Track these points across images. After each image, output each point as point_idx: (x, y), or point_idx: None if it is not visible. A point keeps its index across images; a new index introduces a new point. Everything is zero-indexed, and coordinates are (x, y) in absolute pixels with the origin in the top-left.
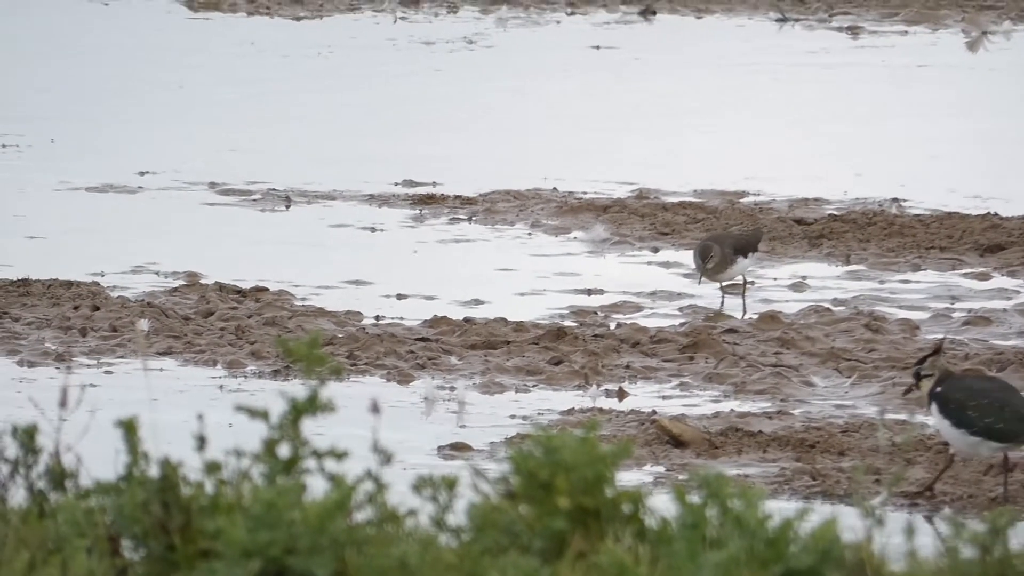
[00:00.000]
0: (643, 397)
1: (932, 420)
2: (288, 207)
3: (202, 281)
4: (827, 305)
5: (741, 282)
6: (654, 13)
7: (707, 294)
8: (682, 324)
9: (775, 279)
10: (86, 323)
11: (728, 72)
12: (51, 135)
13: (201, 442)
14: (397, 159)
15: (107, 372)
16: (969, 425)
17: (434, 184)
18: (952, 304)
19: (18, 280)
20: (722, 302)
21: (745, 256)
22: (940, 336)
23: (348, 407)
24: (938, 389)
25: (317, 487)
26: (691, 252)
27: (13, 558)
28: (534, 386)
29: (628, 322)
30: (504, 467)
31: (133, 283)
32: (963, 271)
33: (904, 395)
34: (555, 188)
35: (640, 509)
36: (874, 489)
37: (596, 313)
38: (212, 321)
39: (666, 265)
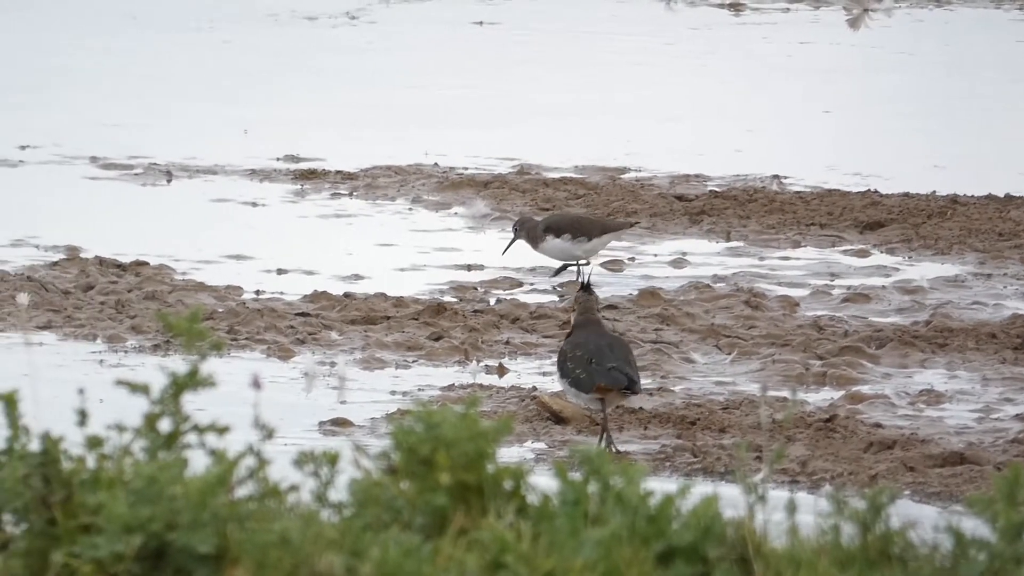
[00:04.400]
0: (523, 373)
1: None
2: (169, 181)
3: (82, 255)
4: (707, 282)
5: (570, 261)
6: None
7: (587, 269)
8: (562, 300)
9: (655, 255)
10: None
11: (612, 49)
12: None
13: (82, 417)
14: (279, 134)
15: None
16: (566, 375)
17: (316, 159)
18: (831, 281)
19: None
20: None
21: (558, 236)
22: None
23: (229, 382)
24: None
25: (198, 462)
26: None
27: None
28: (414, 362)
29: (508, 298)
30: (385, 443)
31: (13, 257)
32: (843, 248)
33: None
34: (436, 163)
35: (521, 485)
36: (755, 466)
37: (476, 289)
38: (92, 295)
39: None
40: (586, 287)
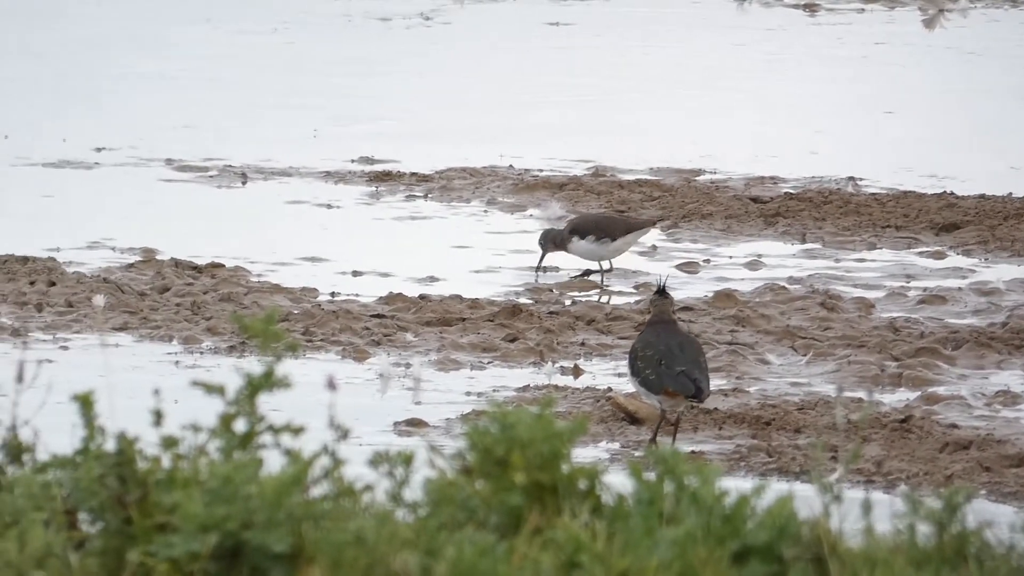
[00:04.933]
0: (599, 374)
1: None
2: (244, 184)
3: (158, 257)
4: (783, 283)
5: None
6: None
7: (663, 273)
8: (637, 301)
9: (731, 257)
10: (42, 298)
11: (686, 50)
12: (5, 112)
13: (158, 417)
14: (354, 136)
15: (63, 347)
16: (636, 374)
17: (390, 161)
18: (907, 283)
19: None
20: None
21: (583, 238)
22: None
23: (304, 383)
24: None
25: (274, 462)
26: (647, 231)
27: None
28: (489, 363)
29: (583, 299)
30: (460, 443)
31: (89, 259)
32: (918, 250)
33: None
34: (511, 165)
35: (596, 485)
36: (831, 466)
37: (551, 290)
38: (168, 297)
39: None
40: (661, 291)
